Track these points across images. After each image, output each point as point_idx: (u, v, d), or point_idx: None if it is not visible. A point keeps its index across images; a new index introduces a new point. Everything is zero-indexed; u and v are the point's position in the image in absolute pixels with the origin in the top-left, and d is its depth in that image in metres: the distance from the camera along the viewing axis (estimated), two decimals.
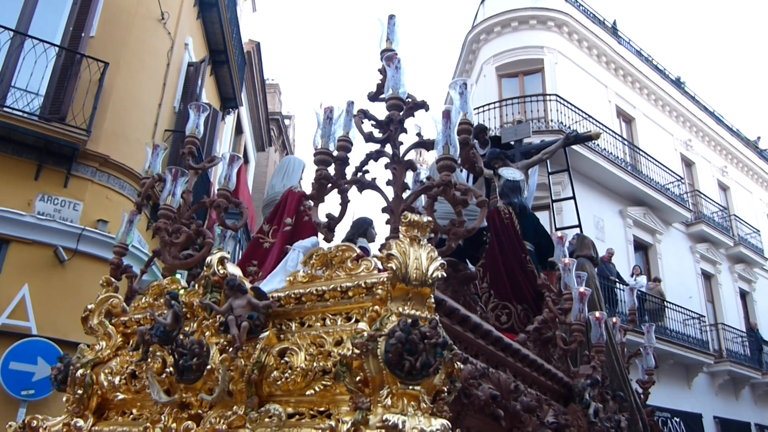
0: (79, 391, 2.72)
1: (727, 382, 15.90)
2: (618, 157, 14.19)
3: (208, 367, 2.19)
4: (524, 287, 4.32)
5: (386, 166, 2.73)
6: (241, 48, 13.13)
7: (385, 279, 1.99)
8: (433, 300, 1.98)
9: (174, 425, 2.24)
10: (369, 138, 2.81)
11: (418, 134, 2.82)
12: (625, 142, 15.22)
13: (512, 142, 6.90)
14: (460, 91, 2.62)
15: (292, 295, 2.25)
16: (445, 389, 1.88)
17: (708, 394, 15.31)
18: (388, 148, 2.74)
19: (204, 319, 2.34)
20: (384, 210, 2.64)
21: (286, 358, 2.09)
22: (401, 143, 2.73)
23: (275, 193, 4.21)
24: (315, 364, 2.03)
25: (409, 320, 1.81)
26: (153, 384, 2.38)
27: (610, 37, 16.25)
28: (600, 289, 6.23)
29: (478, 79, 14.84)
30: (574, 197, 7.93)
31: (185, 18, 9.48)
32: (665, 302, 13.91)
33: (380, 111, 2.79)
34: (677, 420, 13.66)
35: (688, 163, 18.34)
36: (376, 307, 1.99)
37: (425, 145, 2.76)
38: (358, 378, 1.85)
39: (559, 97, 13.16)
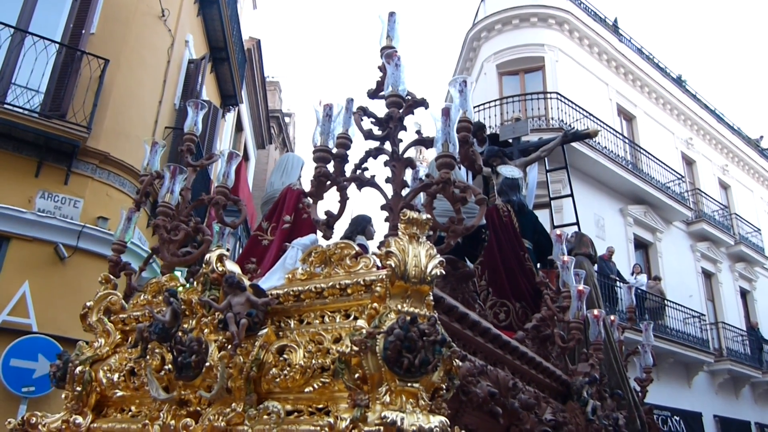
0: (78, 388, 2.73)
1: (728, 380, 15.88)
2: (619, 155, 14.16)
3: (207, 364, 2.19)
4: (523, 285, 4.31)
5: (385, 164, 2.72)
6: (242, 45, 13.12)
7: (384, 276, 1.99)
8: (431, 297, 1.98)
9: (173, 422, 2.24)
10: (368, 135, 2.80)
11: (418, 132, 2.82)
12: (626, 141, 15.19)
13: (510, 140, 6.90)
14: (459, 88, 2.62)
15: (291, 293, 2.25)
16: (444, 386, 1.88)
17: (708, 393, 15.30)
18: (388, 146, 2.74)
19: (203, 316, 2.34)
20: (383, 207, 2.64)
21: (285, 356, 2.10)
22: (401, 141, 2.73)
23: (274, 190, 4.21)
24: (314, 361, 2.03)
25: (408, 317, 1.81)
26: (152, 381, 2.38)
27: (611, 35, 16.20)
28: (599, 287, 6.23)
29: (479, 76, 14.79)
30: (572, 195, 7.92)
31: (186, 15, 9.47)
32: (665, 301, 13.90)
33: (380, 108, 2.79)
34: (677, 419, 13.66)
35: (688, 162, 18.30)
36: (375, 304, 1.99)
37: (425, 142, 2.75)
38: (356, 375, 1.85)
39: (559, 95, 13.12)
